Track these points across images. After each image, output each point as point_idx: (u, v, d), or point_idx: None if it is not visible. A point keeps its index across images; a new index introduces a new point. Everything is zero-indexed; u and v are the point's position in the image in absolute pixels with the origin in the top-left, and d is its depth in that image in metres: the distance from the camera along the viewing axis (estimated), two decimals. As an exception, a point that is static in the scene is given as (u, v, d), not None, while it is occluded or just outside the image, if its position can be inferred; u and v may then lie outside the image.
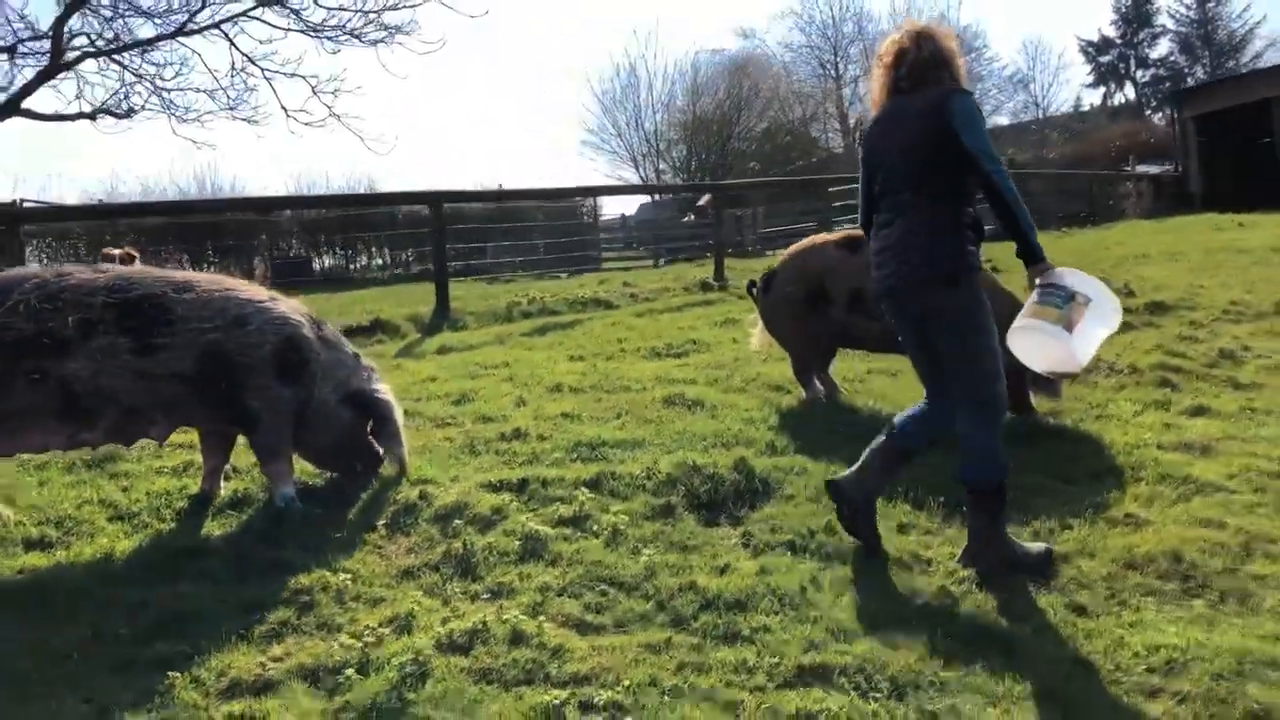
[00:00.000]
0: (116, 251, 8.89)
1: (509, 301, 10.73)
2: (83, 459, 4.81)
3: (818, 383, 6.06)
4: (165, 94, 17.95)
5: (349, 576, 3.63)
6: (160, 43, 16.97)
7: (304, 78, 18.28)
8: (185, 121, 18.51)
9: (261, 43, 19.24)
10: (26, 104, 16.49)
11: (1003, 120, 43.06)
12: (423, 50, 24.62)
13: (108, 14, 16.64)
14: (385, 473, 4.62)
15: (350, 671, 3.02)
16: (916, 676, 3.00)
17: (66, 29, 16.44)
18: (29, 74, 16.22)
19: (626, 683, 2.96)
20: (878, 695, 2.90)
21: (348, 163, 47.05)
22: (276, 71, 17.48)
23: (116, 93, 18.11)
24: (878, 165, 3.68)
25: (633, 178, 38.06)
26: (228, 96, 17.51)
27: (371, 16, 16.72)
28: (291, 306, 4.40)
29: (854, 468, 3.87)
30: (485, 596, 3.54)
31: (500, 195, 14.46)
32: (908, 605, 3.44)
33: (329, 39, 17.06)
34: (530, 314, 10.32)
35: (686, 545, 3.94)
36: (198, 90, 17.92)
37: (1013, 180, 3.51)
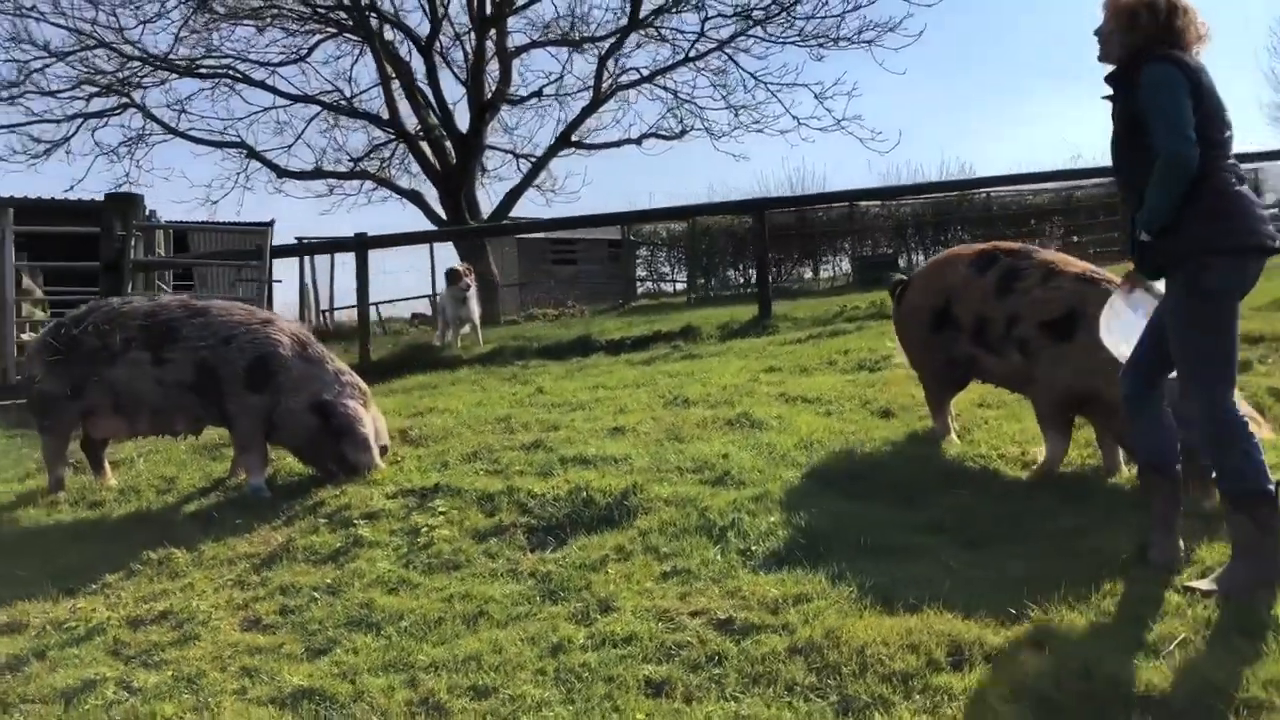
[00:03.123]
0: (462, 266, 10.44)
1: (844, 305, 10.40)
2: (209, 442, 6.11)
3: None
4: (704, 114, 19.71)
5: (185, 556, 4.38)
6: (676, 69, 18.73)
7: (806, 86, 18.92)
8: (718, 137, 20.15)
9: (759, 58, 19.99)
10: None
11: None
12: (899, 45, 22.98)
13: (632, 46, 18.83)
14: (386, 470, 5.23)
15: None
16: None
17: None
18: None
19: (139, 679, 3.34)
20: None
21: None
22: (777, 83, 18.38)
23: (665, 116, 20.37)
24: (1221, 115, 3.38)
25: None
26: (735, 112, 18.76)
27: (846, 19, 16.91)
28: (279, 329, 5.24)
29: None
30: (236, 587, 4.06)
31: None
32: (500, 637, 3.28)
33: (816, 46, 17.57)
34: (856, 318, 9.93)
35: (454, 564, 4.07)
36: (730, 108, 19.34)
37: None
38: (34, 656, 3.58)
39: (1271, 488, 3.23)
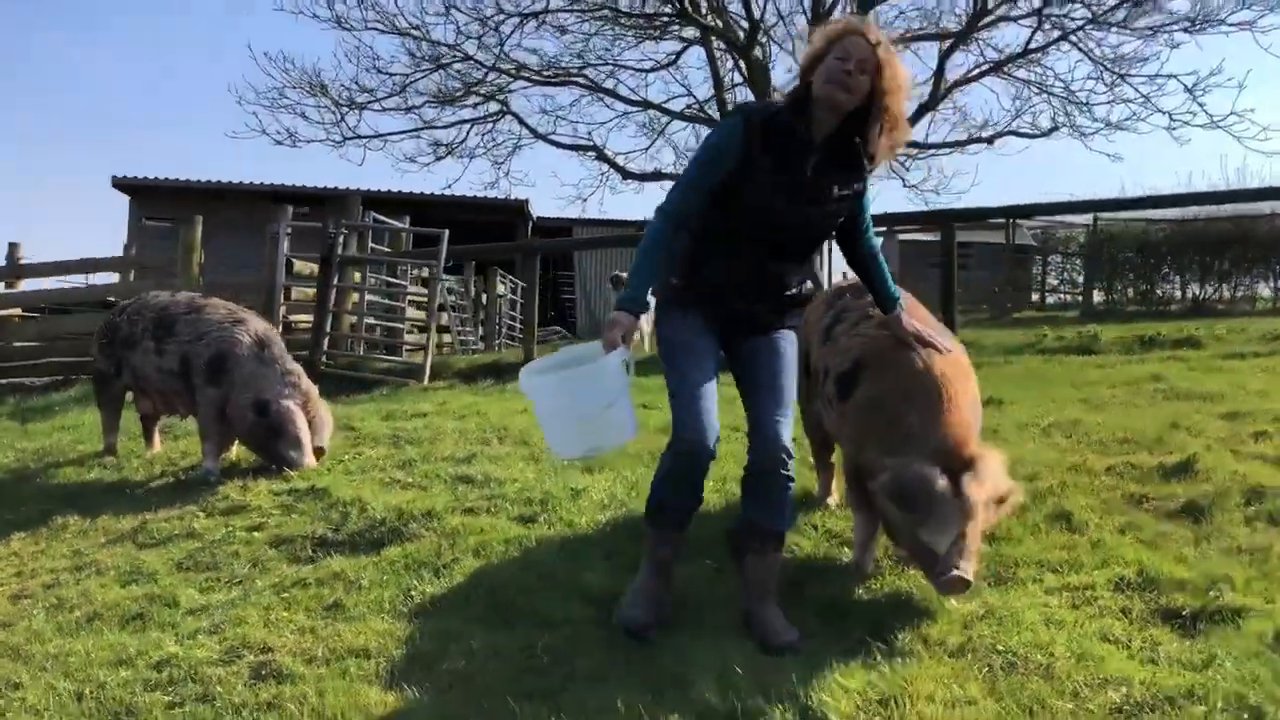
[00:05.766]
0: (625, 274, 10.28)
1: (1156, 332, 9.00)
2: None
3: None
4: (1069, 109, 17.80)
5: (79, 525, 5.02)
6: (1029, 57, 17.03)
7: (1174, 77, 16.21)
8: (1088, 135, 18.15)
9: (1113, 49, 17.12)
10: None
11: None
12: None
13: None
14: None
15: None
16: None
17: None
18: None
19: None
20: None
21: None
22: (1135, 75, 16.20)
23: (1022, 113, 18.63)
24: None
25: None
26: (1088, 110, 16.84)
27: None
28: (245, 329, 5.73)
29: None
30: (67, 557, 4.59)
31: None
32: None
33: (1182, 30, 15.26)
34: (1160, 344, 8.63)
35: (211, 565, 4.31)
36: (1078, 104, 17.36)
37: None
38: None
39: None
